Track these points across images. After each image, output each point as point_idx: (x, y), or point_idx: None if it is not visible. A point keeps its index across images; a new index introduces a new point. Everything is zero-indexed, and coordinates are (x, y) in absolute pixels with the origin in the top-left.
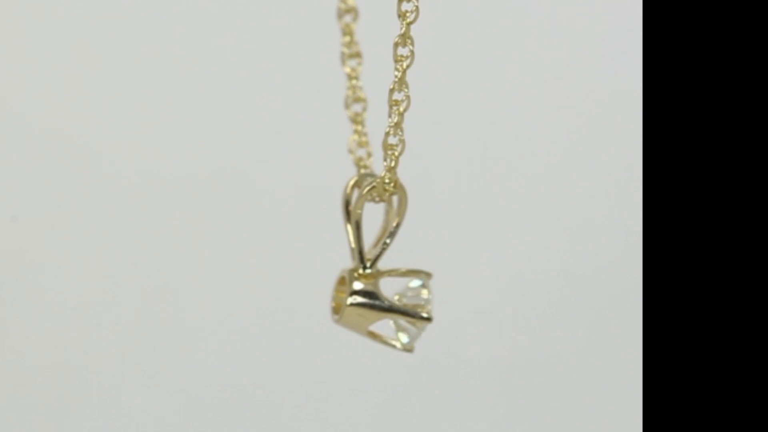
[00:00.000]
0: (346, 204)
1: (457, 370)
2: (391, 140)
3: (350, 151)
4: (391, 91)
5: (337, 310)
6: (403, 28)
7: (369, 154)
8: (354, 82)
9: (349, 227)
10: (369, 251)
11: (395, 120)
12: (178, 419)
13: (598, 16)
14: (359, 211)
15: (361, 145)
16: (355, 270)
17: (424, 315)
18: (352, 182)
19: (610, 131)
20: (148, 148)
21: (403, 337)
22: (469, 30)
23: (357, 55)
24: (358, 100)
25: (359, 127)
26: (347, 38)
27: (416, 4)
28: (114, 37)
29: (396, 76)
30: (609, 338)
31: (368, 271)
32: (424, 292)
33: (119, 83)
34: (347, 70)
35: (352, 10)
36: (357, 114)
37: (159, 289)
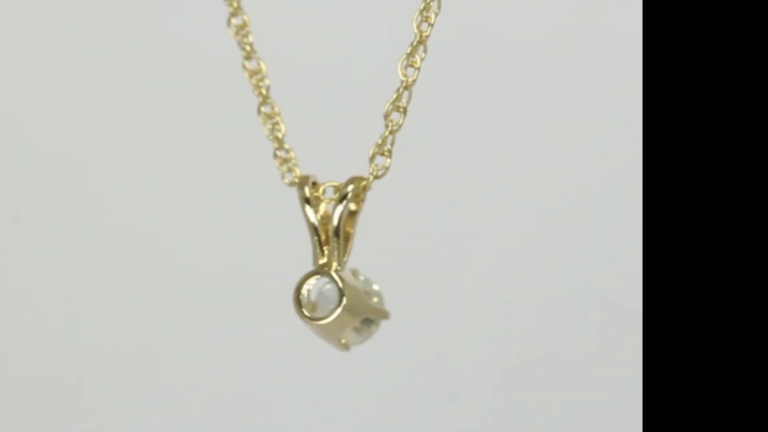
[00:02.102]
0: (307, 202)
1: (456, 371)
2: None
3: (279, 149)
4: (396, 98)
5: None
6: (417, 40)
7: (294, 161)
8: (264, 81)
9: (321, 227)
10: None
11: (399, 120)
12: (175, 421)
13: (598, 14)
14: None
15: (281, 147)
16: (331, 268)
17: (386, 311)
18: (309, 183)
19: (610, 130)
20: (146, 150)
21: (353, 336)
22: (469, 27)
23: (257, 56)
24: (266, 101)
25: (279, 127)
26: (247, 39)
27: (431, 26)
28: (111, 43)
29: (402, 83)
30: (609, 340)
31: (345, 270)
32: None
33: (119, 85)
34: (246, 74)
35: (241, 13)
36: (268, 115)
37: (160, 289)
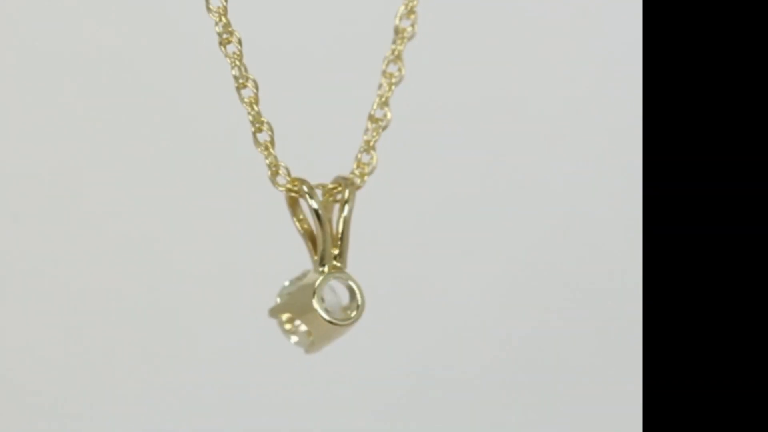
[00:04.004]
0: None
1: (454, 374)
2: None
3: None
4: (382, 96)
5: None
6: (399, 46)
7: (277, 165)
8: (249, 82)
9: (327, 229)
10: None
11: (386, 117)
12: (174, 422)
13: (597, 17)
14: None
15: (268, 153)
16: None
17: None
18: (308, 185)
19: (610, 128)
20: (147, 148)
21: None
22: (466, 34)
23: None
24: (252, 111)
25: (264, 130)
26: (235, 54)
27: (414, 23)
28: (109, 45)
29: (380, 95)
30: (609, 343)
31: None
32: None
33: (118, 87)
34: (234, 70)
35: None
36: (256, 119)
37: (161, 288)
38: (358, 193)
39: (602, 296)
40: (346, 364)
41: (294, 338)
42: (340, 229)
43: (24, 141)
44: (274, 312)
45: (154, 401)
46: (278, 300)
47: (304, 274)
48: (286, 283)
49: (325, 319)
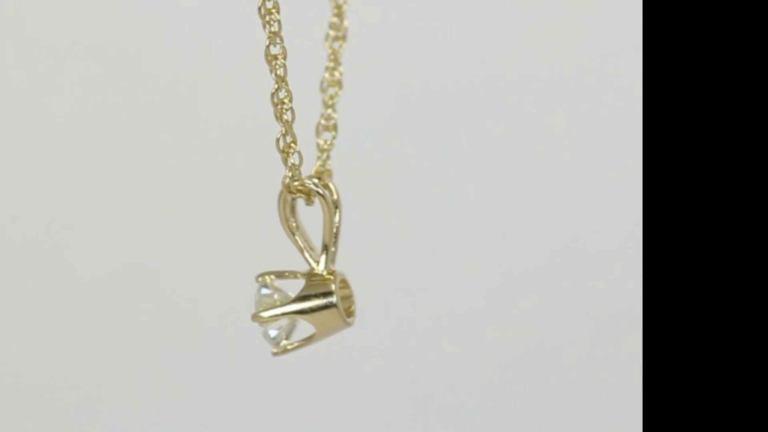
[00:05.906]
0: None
1: (452, 373)
2: (326, 136)
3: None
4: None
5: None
6: (333, 44)
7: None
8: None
9: (334, 228)
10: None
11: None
12: (173, 423)
13: (597, 17)
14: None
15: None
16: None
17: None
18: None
19: (610, 128)
20: (146, 148)
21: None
22: (461, 27)
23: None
24: (289, 130)
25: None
26: (278, 71)
27: (344, 22)
28: (114, 39)
29: (324, 113)
30: (609, 343)
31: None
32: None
33: (118, 85)
34: (279, 72)
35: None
36: (287, 122)
37: (160, 287)
38: (358, 193)
39: (603, 298)
40: (346, 364)
41: (273, 339)
42: (334, 229)
43: (25, 139)
44: (260, 317)
45: (154, 402)
46: (274, 304)
47: (264, 274)
48: (264, 291)
49: (343, 320)
